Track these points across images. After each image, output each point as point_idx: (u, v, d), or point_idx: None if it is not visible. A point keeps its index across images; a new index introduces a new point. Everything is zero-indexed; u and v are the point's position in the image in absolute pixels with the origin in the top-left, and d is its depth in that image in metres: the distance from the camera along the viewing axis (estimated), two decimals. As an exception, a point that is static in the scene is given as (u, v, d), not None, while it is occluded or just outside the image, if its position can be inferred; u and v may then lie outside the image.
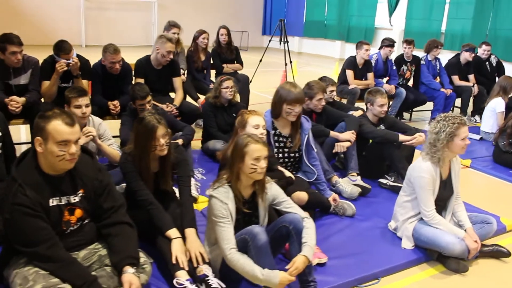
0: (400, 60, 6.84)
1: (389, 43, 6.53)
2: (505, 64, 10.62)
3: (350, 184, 3.81)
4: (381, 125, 4.32)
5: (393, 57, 6.83)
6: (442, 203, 3.10)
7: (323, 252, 2.82)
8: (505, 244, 3.29)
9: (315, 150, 3.43)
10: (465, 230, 2.97)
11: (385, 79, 6.77)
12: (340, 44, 15.67)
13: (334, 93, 4.71)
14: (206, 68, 6.12)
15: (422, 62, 6.91)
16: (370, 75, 6.38)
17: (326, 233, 3.16)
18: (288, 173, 3.08)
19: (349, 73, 6.25)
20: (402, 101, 6.64)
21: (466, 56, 7.09)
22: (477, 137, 6.01)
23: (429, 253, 3.00)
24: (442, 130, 2.90)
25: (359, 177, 3.94)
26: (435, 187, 2.98)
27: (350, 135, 3.94)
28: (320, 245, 2.94)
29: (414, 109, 7.29)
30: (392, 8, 13.70)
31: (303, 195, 3.14)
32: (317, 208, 3.38)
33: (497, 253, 3.07)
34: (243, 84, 5.99)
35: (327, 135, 3.96)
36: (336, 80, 5.53)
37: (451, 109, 7.14)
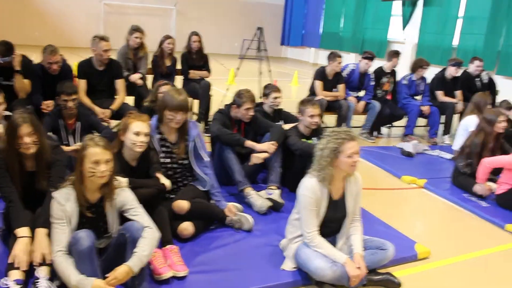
0: (380, 72, 6.56)
1: (368, 55, 6.28)
2: (505, 81, 10.15)
3: (262, 197, 3.62)
4: (313, 138, 4.11)
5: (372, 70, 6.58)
6: (334, 225, 2.86)
7: (185, 265, 2.65)
8: (414, 272, 3.03)
9: (207, 158, 3.29)
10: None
11: (361, 93, 6.52)
12: (354, 56, 15.35)
13: (279, 100, 4.52)
14: (171, 73, 6.08)
15: (405, 82, 6.60)
16: (341, 87, 6.15)
17: (209, 246, 2.99)
18: (164, 180, 2.94)
19: (317, 84, 6.04)
20: (378, 115, 6.38)
21: (451, 71, 6.73)
22: (449, 156, 5.65)
23: (309, 276, 2.77)
24: (326, 146, 2.69)
25: (277, 191, 3.74)
26: (321, 207, 2.75)
27: (269, 146, 3.75)
28: (192, 258, 2.80)
29: (395, 125, 6.97)
30: (406, 21, 13.31)
31: (183, 204, 3.01)
32: (207, 218, 3.22)
33: (387, 283, 2.80)
34: (203, 91, 5.91)
35: (241, 145, 3.78)
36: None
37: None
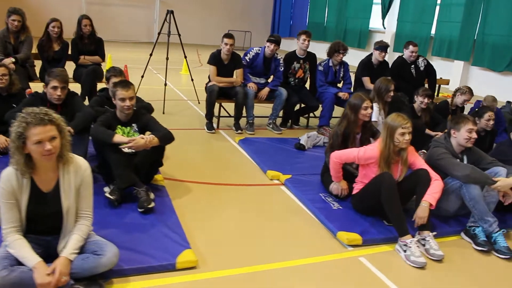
0: (291, 57, 5.93)
1: (271, 38, 5.67)
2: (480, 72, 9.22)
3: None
4: (133, 124, 3.59)
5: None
6: (50, 222, 2.33)
7: None
8: (166, 283, 2.49)
9: None
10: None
11: (270, 79, 5.92)
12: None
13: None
14: (60, 58, 5.67)
15: (321, 68, 5.95)
16: (238, 72, 5.57)
17: None
18: None
19: (211, 69, 5.49)
20: (287, 104, 5.79)
21: (376, 56, 6.05)
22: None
23: None
24: (12, 130, 2.19)
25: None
26: (22, 200, 2.25)
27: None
28: None
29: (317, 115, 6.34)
30: (385, 9, 12.48)
31: None
32: None
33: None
34: (85, 76, 5.50)
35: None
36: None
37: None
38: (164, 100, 6.37)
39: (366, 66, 6.12)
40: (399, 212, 3.10)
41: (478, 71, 9.96)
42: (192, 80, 6.97)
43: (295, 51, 5.94)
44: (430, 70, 6.39)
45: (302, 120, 6.34)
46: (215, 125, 5.67)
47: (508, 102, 5.44)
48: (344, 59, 5.97)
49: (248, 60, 5.67)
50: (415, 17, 11.45)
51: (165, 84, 6.42)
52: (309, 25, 16.03)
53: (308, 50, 5.90)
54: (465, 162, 3.56)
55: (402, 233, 3.05)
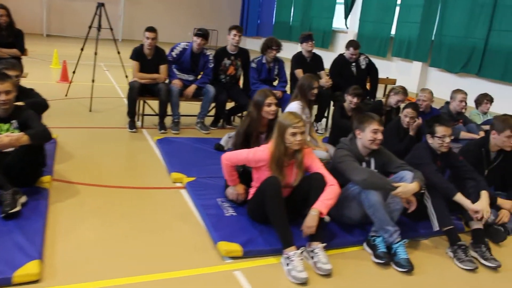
0: (222, 53, 5.65)
1: (198, 32, 5.40)
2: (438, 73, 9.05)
3: None
4: (12, 121, 3.28)
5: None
6: None
7: None
8: None
9: None
10: None
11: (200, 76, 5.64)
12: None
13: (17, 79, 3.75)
14: (-27, 51, 5.31)
15: (254, 65, 5.68)
16: (162, 68, 5.27)
17: None
18: None
19: (134, 65, 5.19)
20: (218, 103, 5.51)
21: (304, 47, 5.91)
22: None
23: None
24: None
25: None
26: None
27: None
28: None
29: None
30: (347, 9, 12.31)
31: None
32: None
33: None
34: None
35: None
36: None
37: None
38: (92, 97, 6.04)
39: (298, 59, 5.98)
40: (283, 221, 2.82)
41: (435, 72, 9.82)
42: (126, 77, 6.65)
43: (225, 47, 5.67)
44: (371, 69, 6.19)
45: (237, 120, 6.07)
46: (140, 124, 5.37)
47: (447, 102, 5.23)
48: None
49: (174, 56, 5.38)
50: (377, 17, 11.30)
51: (93, 81, 6.09)
52: (275, 24, 15.80)
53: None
54: (372, 165, 3.32)
55: (285, 244, 2.77)
